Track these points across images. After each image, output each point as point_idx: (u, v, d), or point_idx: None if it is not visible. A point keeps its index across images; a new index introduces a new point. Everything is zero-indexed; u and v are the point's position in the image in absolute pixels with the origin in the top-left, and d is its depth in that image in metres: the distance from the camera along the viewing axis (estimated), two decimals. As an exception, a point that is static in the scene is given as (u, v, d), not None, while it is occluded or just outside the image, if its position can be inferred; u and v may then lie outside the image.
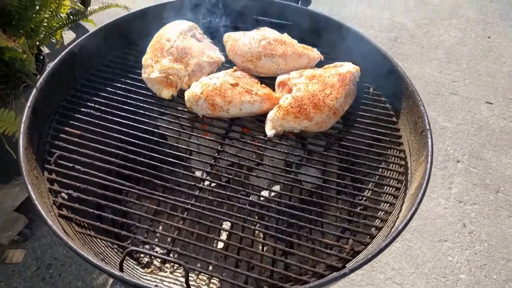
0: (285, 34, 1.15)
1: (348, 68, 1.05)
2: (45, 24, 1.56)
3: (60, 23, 1.64)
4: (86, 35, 1.08)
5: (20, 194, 1.90)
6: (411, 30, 3.23)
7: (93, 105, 1.00)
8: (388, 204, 0.89)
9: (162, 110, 1.07)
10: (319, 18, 1.20)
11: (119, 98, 1.03)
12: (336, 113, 0.99)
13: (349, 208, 0.95)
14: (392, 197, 0.90)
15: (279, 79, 1.08)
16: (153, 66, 1.05)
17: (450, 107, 2.61)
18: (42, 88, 0.93)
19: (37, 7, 1.45)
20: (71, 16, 1.64)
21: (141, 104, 1.03)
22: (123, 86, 1.07)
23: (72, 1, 1.59)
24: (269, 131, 0.98)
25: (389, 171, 0.96)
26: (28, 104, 0.89)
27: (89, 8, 1.75)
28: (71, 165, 0.87)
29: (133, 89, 1.07)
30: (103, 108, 1.00)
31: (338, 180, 0.96)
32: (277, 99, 1.03)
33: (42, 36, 1.65)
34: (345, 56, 1.14)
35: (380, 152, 0.99)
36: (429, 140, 0.85)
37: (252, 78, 1.08)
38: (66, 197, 0.84)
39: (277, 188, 1.13)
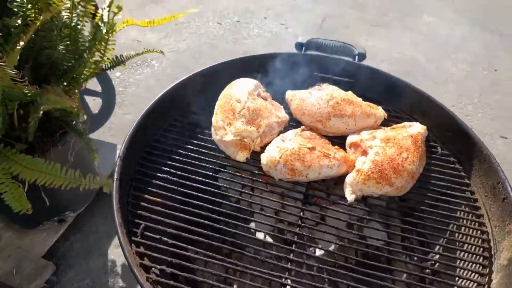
0: (350, 92, 1.16)
1: (417, 129, 1.07)
2: (87, 73, 1.54)
3: (97, 70, 1.63)
4: (161, 94, 1.07)
5: (48, 239, 1.85)
6: (421, 64, 3.32)
7: (167, 169, 0.99)
8: (471, 273, 0.89)
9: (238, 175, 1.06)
10: (379, 75, 1.22)
11: (193, 162, 1.02)
12: (413, 177, 1.00)
13: (420, 274, 0.94)
14: (478, 265, 0.90)
15: (350, 139, 1.09)
16: (226, 128, 1.05)
17: (466, 141, 2.66)
18: (124, 156, 0.92)
19: (86, 56, 1.44)
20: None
21: (217, 168, 1.02)
22: (194, 148, 1.06)
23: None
24: (349, 196, 0.98)
25: (465, 236, 0.97)
26: (116, 176, 0.87)
27: (125, 54, 1.74)
28: (158, 237, 0.85)
29: (205, 151, 1.06)
30: (178, 172, 0.99)
31: (403, 239, 0.97)
32: (352, 162, 1.04)
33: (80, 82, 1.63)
34: (406, 112, 1.16)
35: (452, 215, 1.00)
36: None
37: (322, 138, 1.09)
38: (158, 272, 0.82)
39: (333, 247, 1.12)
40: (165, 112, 1.14)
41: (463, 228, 0.98)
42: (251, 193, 1.06)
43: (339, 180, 1.04)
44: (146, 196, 0.92)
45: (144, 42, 3.39)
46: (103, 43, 1.46)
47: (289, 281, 0.85)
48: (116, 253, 1.97)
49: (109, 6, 1.37)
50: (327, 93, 1.13)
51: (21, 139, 1.46)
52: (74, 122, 1.62)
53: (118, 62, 1.69)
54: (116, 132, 2.62)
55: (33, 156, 1.34)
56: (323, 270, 0.95)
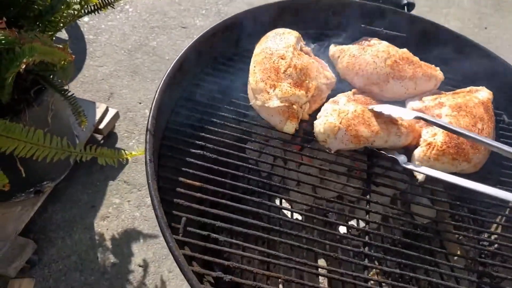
0: (406, 50, 0.99)
1: (486, 94, 0.93)
2: (68, 16, 1.25)
3: (81, 12, 1.33)
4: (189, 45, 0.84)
5: (24, 214, 1.61)
6: (412, 19, 3.17)
7: (202, 143, 0.79)
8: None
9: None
10: (433, 28, 1.05)
11: (231, 133, 0.82)
12: (489, 151, 0.87)
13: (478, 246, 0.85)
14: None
15: (412, 105, 0.93)
16: (269, 91, 0.85)
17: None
18: (154, 129, 0.70)
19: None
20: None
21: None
22: (229, 115, 0.86)
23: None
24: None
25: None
26: (148, 157, 0.66)
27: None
28: (205, 233, 0.67)
29: (243, 119, 0.87)
30: (216, 147, 0.79)
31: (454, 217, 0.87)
32: (418, 132, 0.89)
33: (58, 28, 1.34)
34: (465, 76, 1.01)
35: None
36: None
37: (378, 103, 0.93)
38: (212, 280, 0.65)
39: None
40: (190, 69, 0.91)
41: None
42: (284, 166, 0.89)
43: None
44: (181, 179, 0.73)
45: (112, -18, 2.96)
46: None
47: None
48: (102, 225, 1.77)
49: None
50: (383, 50, 0.95)
51: (-13, 99, 1.18)
52: (52, 76, 1.34)
53: (106, 3, 1.39)
54: (90, 86, 2.31)
55: (6, 120, 1.08)
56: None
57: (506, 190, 0.75)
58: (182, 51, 0.90)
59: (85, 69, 2.39)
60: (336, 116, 0.83)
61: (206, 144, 0.82)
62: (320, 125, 0.85)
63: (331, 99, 0.91)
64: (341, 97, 0.91)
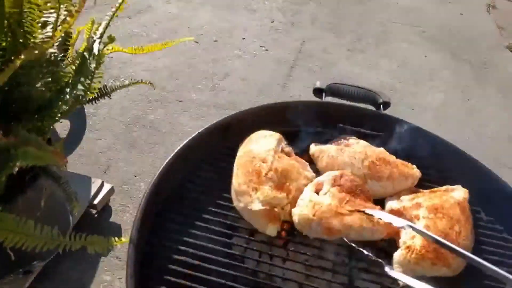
0: (382, 149, 1.05)
1: (461, 193, 0.98)
2: (65, 109, 1.32)
3: (79, 105, 1.41)
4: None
5: (8, 298, 1.57)
6: (399, 91, 3.33)
7: (188, 239, 0.82)
8: None
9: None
10: (410, 129, 1.12)
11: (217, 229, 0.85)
12: (468, 254, 0.89)
13: None
14: None
15: (391, 206, 0.97)
16: (251, 195, 0.89)
17: (448, 172, 2.66)
18: (137, 237, 0.73)
19: (68, 91, 1.23)
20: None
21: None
22: (214, 218, 0.90)
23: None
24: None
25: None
26: (130, 273, 0.68)
27: (109, 84, 1.54)
28: None
29: (229, 222, 0.90)
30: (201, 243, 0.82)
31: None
32: (395, 229, 0.91)
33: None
34: (442, 172, 1.06)
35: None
36: None
37: (361, 190, 0.96)
38: None
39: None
40: (175, 176, 0.96)
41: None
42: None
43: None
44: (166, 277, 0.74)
45: (116, 58, 3.14)
46: (89, 77, 1.26)
47: None
48: (95, 306, 1.72)
49: (101, 37, 1.17)
50: (360, 151, 1.01)
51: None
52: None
53: (103, 94, 1.48)
54: (88, 159, 2.37)
55: (-1, 209, 1.10)
56: None
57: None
58: (169, 157, 0.95)
59: (84, 141, 2.45)
60: (310, 208, 0.87)
61: (191, 240, 0.85)
62: (295, 215, 0.89)
63: (315, 181, 0.95)
64: (325, 182, 0.94)
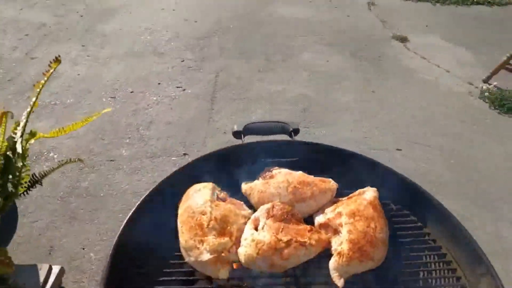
0: (301, 173, 1.21)
1: (371, 194, 1.16)
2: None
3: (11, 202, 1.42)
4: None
5: None
6: (314, 98, 3.63)
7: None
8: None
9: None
10: (318, 148, 1.30)
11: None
12: (386, 243, 1.07)
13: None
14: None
15: (318, 221, 1.13)
16: (199, 247, 1.00)
17: (373, 161, 2.96)
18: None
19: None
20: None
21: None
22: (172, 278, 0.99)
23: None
24: (339, 281, 1.00)
25: (439, 282, 1.07)
26: None
27: (37, 172, 1.55)
28: None
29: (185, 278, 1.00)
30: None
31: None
32: (326, 242, 1.07)
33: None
34: (354, 179, 1.25)
35: (424, 268, 1.10)
36: (482, 254, 0.99)
37: (292, 216, 1.10)
38: None
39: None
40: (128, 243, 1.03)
41: (438, 278, 1.08)
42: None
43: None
44: None
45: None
46: (16, 174, 1.28)
47: None
48: None
49: (22, 135, 1.21)
50: (282, 180, 1.16)
51: None
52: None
53: (34, 183, 1.50)
54: (28, 245, 2.28)
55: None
56: None
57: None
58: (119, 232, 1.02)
59: (19, 228, 2.35)
60: (254, 247, 1.00)
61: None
62: (241, 255, 1.01)
63: (252, 217, 1.08)
64: (260, 217, 1.08)
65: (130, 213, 1.07)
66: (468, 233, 1.04)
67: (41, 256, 2.24)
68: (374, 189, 1.19)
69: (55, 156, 2.91)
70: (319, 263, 1.07)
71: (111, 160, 2.87)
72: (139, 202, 1.10)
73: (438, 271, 1.09)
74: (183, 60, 4.10)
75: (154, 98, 3.52)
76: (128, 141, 3.04)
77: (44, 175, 1.51)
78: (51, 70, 1.14)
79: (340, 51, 4.45)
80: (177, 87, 3.68)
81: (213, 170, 1.22)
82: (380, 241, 1.05)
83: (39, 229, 2.39)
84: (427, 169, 2.92)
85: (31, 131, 1.22)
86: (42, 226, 2.40)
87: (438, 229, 1.14)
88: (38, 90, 1.15)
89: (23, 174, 1.29)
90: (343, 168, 1.27)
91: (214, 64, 4.06)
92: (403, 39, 4.75)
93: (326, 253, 1.07)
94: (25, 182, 1.29)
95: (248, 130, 1.34)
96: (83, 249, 2.30)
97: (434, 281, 1.08)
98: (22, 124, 1.18)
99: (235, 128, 1.35)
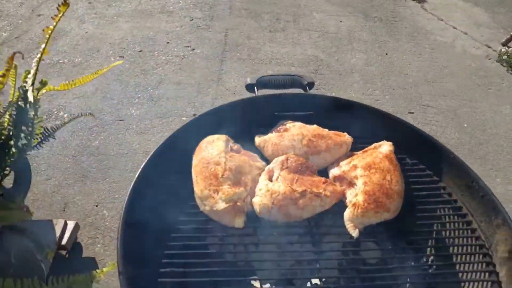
0: (316, 126, 1.19)
1: (387, 147, 1.15)
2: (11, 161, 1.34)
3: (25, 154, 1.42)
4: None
5: None
6: (325, 60, 3.55)
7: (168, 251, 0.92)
8: (474, 272, 0.99)
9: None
10: (331, 101, 1.28)
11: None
12: (402, 196, 1.07)
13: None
14: (479, 263, 1.00)
15: (333, 173, 1.12)
16: (214, 196, 1.00)
17: (384, 124, 2.92)
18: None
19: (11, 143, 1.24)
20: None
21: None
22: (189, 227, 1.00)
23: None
24: (353, 231, 1.01)
25: (456, 238, 1.07)
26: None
27: (50, 126, 1.55)
28: None
29: (201, 226, 1.01)
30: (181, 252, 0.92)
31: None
32: (341, 193, 1.07)
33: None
34: (370, 132, 1.23)
35: (438, 220, 1.10)
36: (499, 204, 0.98)
37: (306, 168, 1.09)
38: None
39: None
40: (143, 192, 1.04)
41: (452, 230, 1.08)
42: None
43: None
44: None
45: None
46: (29, 124, 1.28)
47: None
48: None
49: (32, 84, 1.19)
50: (297, 133, 1.15)
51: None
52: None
53: (46, 136, 1.50)
54: (43, 203, 2.32)
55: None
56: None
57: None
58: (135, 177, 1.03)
59: (33, 186, 2.39)
60: (269, 197, 1.00)
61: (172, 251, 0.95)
62: (256, 205, 1.01)
63: (266, 169, 1.08)
64: (275, 168, 1.08)
65: (144, 164, 1.06)
66: (484, 184, 1.02)
67: (55, 213, 2.28)
68: (390, 143, 1.17)
69: (65, 115, 2.91)
70: (333, 215, 1.08)
71: (120, 120, 2.86)
72: (151, 153, 1.10)
73: (452, 223, 1.09)
74: (192, 19, 4.00)
75: (163, 58, 3.46)
76: (137, 100, 3.02)
77: (57, 128, 1.51)
78: (60, 15, 1.10)
79: (353, 11, 4.30)
80: (186, 46, 3.61)
81: (225, 123, 1.21)
82: (396, 193, 1.04)
83: (53, 187, 2.43)
84: (440, 132, 2.89)
85: (41, 80, 1.20)
86: (55, 184, 2.44)
87: (455, 182, 1.12)
88: (48, 36, 1.12)
89: (36, 125, 1.29)
90: (359, 122, 1.24)
91: (223, 23, 3.96)
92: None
93: (340, 206, 1.07)
94: (38, 134, 1.29)
95: (261, 83, 1.31)
96: (96, 206, 2.34)
97: (448, 232, 1.08)
98: (32, 72, 1.16)
99: (248, 81, 1.32)
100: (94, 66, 3.34)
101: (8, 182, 2.24)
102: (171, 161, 1.10)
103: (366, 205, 1.01)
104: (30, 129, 1.25)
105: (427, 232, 1.12)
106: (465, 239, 1.06)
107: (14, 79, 1.39)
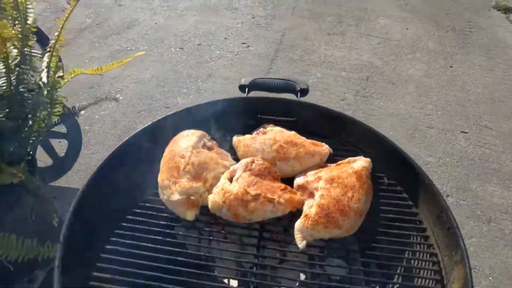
0: (293, 133, 1.18)
1: (361, 163, 1.10)
2: (31, 139, 1.50)
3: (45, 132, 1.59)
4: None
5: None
6: (380, 68, 3.39)
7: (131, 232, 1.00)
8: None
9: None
10: (320, 111, 1.25)
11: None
12: (361, 215, 1.02)
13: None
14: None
15: (297, 182, 1.11)
16: (171, 187, 1.05)
17: (429, 141, 2.72)
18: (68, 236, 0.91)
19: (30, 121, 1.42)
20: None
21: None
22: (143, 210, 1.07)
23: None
24: (300, 242, 0.99)
25: (419, 267, 1.00)
26: (57, 263, 0.86)
27: (77, 105, 1.73)
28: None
29: (155, 213, 1.07)
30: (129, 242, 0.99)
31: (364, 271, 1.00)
32: (299, 202, 1.05)
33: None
34: (351, 145, 1.18)
35: (405, 248, 1.03)
36: (460, 239, 0.89)
37: (271, 173, 1.09)
38: None
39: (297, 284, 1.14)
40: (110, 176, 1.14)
41: (417, 260, 1.01)
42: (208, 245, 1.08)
43: (294, 218, 1.06)
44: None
45: (107, 74, 3.36)
46: (48, 103, 1.45)
47: None
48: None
49: (48, 66, 1.35)
50: (270, 137, 1.15)
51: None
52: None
53: (72, 114, 1.67)
54: (85, 174, 2.59)
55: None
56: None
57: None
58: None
59: (80, 157, 2.68)
60: (221, 196, 1.02)
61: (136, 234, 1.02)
62: (209, 201, 1.04)
63: (231, 169, 1.10)
64: (238, 169, 1.09)
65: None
66: (453, 216, 0.94)
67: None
68: (367, 159, 1.12)
69: (121, 97, 3.18)
70: (290, 223, 1.06)
71: (166, 107, 3.05)
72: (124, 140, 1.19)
73: (419, 253, 1.02)
74: (254, 17, 4.09)
75: (218, 52, 3.60)
76: (185, 91, 3.19)
77: (82, 108, 1.67)
78: (71, 8, 1.24)
79: (423, 19, 4.03)
80: (242, 43, 3.70)
81: (209, 119, 1.25)
82: (353, 211, 1.00)
83: (97, 161, 2.69)
84: (493, 157, 2.61)
85: (56, 64, 1.35)
86: (99, 158, 2.69)
87: (428, 210, 1.04)
88: (61, 25, 1.26)
89: (56, 104, 1.45)
90: (346, 135, 1.20)
91: (283, 22, 3.99)
92: (508, 10, 4.12)
93: (299, 215, 1.06)
94: (58, 112, 1.45)
95: (254, 85, 1.33)
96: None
97: (415, 262, 1.01)
98: (46, 56, 1.32)
99: (242, 82, 1.34)
100: (154, 55, 3.59)
101: (62, 151, 2.54)
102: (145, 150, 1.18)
103: (317, 218, 0.98)
104: (49, 108, 1.41)
105: (394, 257, 1.05)
106: (427, 272, 0.98)
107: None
